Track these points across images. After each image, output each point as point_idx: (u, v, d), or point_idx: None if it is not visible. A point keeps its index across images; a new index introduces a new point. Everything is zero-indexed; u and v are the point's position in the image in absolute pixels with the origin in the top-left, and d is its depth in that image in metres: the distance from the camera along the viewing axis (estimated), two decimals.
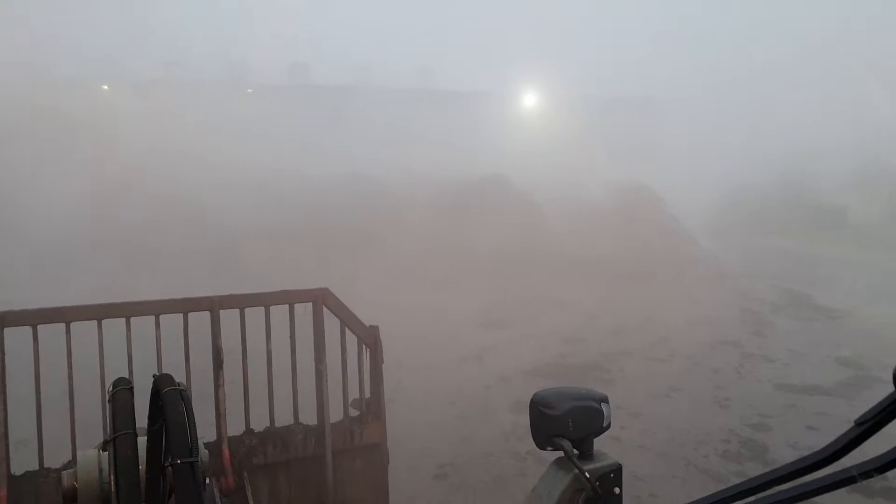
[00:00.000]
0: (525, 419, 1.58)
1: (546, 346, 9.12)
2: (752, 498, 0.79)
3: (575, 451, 1.71)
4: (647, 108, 25.55)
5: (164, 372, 1.80)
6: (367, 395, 3.48)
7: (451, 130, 19.02)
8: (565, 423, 1.70)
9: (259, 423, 3.29)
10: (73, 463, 2.86)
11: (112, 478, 1.62)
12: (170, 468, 1.55)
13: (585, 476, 1.67)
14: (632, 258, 13.42)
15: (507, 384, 7.76)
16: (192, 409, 1.57)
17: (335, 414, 3.40)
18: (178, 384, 1.62)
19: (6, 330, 2.81)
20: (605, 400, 1.83)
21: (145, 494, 1.67)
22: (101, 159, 13.20)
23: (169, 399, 1.60)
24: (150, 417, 1.76)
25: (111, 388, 1.79)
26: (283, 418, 3.35)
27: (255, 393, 3.29)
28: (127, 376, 3.02)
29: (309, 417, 3.38)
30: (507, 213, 14.19)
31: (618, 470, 1.77)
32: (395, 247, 12.34)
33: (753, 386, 7.74)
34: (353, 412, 3.47)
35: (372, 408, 3.44)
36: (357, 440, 3.37)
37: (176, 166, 13.48)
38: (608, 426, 1.79)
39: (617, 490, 1.76)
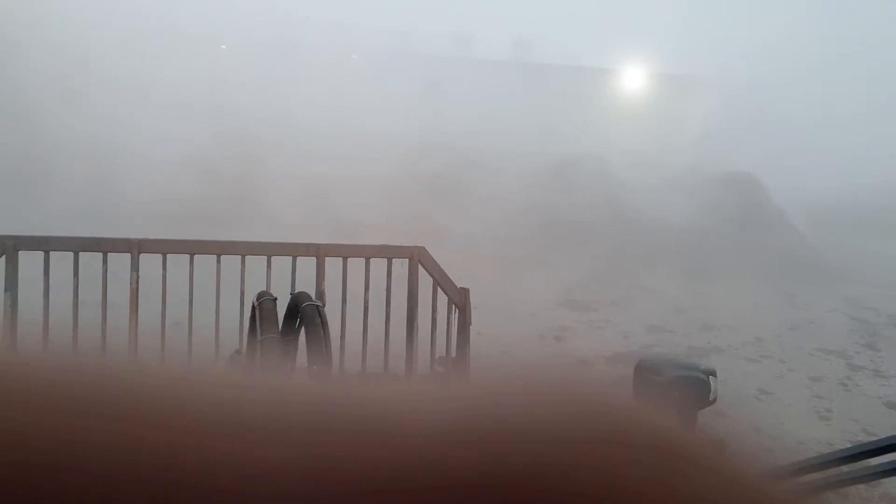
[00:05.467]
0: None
1: (629, 334, 8.88)
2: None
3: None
4: (760, 93, 23.78)
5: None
6: (454, 354, 3.56)
7: (547, 105, 18.66)
8: (670, 391, 1.67)
9: (351, 367, 3.46)
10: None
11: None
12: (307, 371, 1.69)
13: None
14: (729, 250, 12.72)
15: (586, 368, 7.65)
16: (327, 323, 1.70)
17: (422, 369, 3.51)
18: (315, 301, 1.76)
19: (141, 256, 3.12)
20: (714, 374, 1.78)
21: None
22: (212, 114, 14.04)
23: (308, 313, 1.75)
24: (283, 329, 1.92)
25: (256, 300, 1.97)
26: (373, 366, 3.50)
27: (348, 339, 3.45)
28: (239, 308, 3.26)
29: (396, 368, 3.51)
30: (599, 193, 13.81)
31: (721, 446, 1.73)
32: (481, 217, 12.38)
33: (860, 400, 7.18)
34: (439, 369, 3.56)
35: (458, 367, 3.51)
36: None
37: (281, 128, 14.14)
38: (714, 400, 1.74)
39: None
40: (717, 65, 22.50)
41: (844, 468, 1.11)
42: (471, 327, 3.71)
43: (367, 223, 9.64)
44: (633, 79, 23.62)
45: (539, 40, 23.54)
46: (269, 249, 3.32)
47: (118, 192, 11.25)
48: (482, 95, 18.11)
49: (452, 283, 3.53)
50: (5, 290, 2.98)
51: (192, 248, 3.24)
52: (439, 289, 3.49)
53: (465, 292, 3.52)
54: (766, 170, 16.38)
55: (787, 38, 23.40)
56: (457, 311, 3.52)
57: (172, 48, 15.61)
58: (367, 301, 3.43)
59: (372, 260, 3.46)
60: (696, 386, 1.66)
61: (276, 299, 2.11)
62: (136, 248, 3.14)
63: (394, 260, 3.48)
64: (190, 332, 3.29)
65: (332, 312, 3.39)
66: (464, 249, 10.59)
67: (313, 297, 3.26)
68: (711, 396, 1.69)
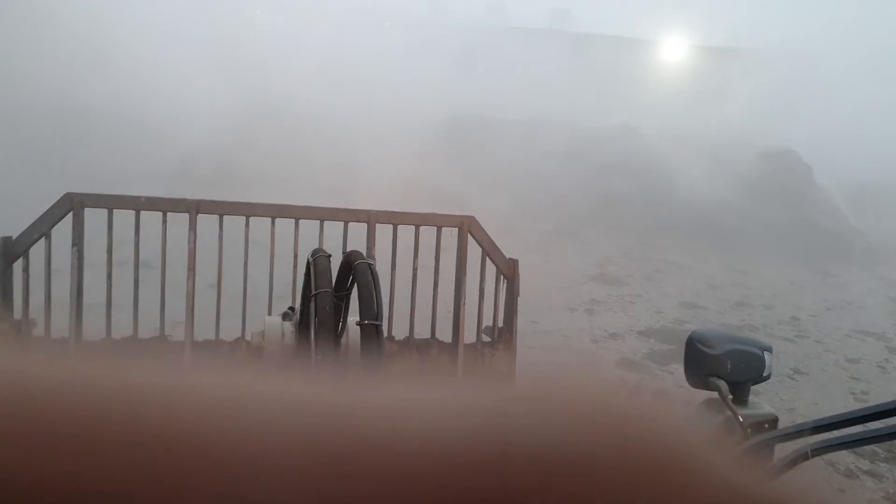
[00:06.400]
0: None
1: (661, 309, 8.87)
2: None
3: (729, 396, 1.73)
4: (805, 67, 22.78)
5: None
6: (500, 324, 3.63)
7: (584, 75, 18.26)
8: (723, 364, 1.71)
9: (399, 332, 3.58)
10: (242, 333, 3.30)
11: (313, 327, 1.90)
12: (359, 327, 1.80)
13: (739, 420, 1.70)
14: (767, 227, 12.49)
15: (617, 341, 7.70)
16: (378, 281, 1.79)
17: (468, 337, 3.61)
18: (368, 259, 1.84)
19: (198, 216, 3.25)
20: (769, 349, 1.82)
21: None
22: (250, 79, 14.12)
23: (360, 269, 1.83)
24: (336, 285, 2.02)
25: (311, 256, 2.06)
26: (420, 332, 3.62)
27: (397, 305, 3.56)
28: (293, 271, 3.39)
29: (443, 335, 3.63)
30: (635, 167, 13.61)
31: (773, 421, 1.77)
32: (514, 189, 12.34)
33: None
34: (486, 338, 3.66)
35: (504, 336, 3.60)
36: (487, 365, 3.57)
37: (312, 94, 14.16)
38: (769, 376, 1.79)
39: None
40: (762, 37, 21.65)
41: (854, 430, 1.15)
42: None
43: (396, 192, 9.70)
44: (673, 50, 22.90)
45: (578, 8, 22.94)
46: (322, 214, 3.41)
47: (162, 154, 11.52)
48: (517, 64, 17.79)
49: (501, 253, 3.58)
50: (73, 245, 3.14)
51: (248, 210, 3.34)
52: (487, 259, 3.56)
53: (514, 263, 3.56)
54: (809, 147, 15.90)
55: (834, 9, 22.32)
56: (505, 281, 3.58)
57: (207, 10, 15.63)
58: (416, 268, 3.52)
59: (421, 228, 3.54)
60: (749, 360, 1.71)
61: (329, 256, 2.19)
62: (193, 208, 3.24)
63: (443, 229, 3.55)
64: (245, 292, 3.43)
65: (381, 279, 3.51)
66: (495, 221, 10.60)
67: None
68: (766, 372, 1.74)
